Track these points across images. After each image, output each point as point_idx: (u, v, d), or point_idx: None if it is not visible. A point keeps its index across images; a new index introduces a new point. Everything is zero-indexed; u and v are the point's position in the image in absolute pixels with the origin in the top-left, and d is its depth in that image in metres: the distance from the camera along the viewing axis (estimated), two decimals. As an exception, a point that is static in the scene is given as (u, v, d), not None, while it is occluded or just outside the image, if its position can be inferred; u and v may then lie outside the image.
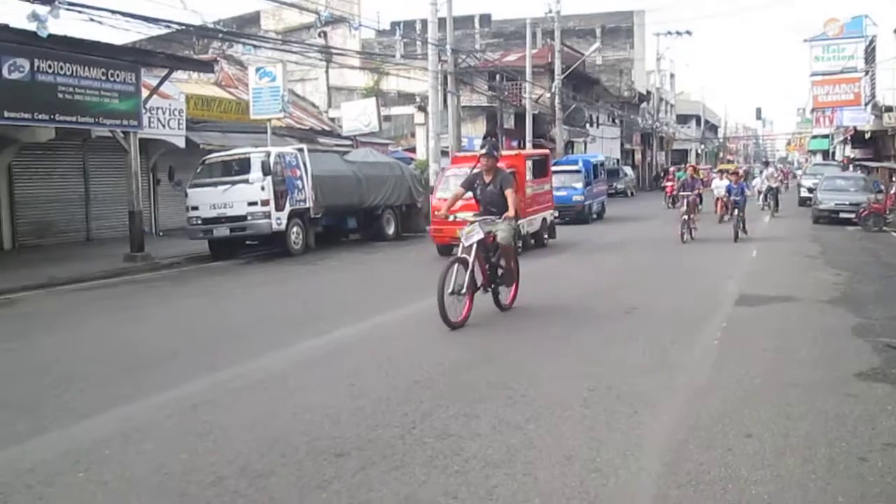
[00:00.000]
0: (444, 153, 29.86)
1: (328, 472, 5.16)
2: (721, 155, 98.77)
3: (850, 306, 11.13)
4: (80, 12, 16.24)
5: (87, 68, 16.58)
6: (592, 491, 4.83)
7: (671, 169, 39.40)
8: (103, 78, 16.97)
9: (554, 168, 28.22)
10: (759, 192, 33.37)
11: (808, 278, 13.99)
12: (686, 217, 20.39)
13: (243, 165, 19.21)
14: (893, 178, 29.87)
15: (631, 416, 6.23)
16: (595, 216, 30.64)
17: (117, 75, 17.32)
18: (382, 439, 5.75)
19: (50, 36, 15.06)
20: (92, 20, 16.72)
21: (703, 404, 6.55)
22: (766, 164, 38.60)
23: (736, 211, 21.03)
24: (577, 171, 29.82)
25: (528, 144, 39.53)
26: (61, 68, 16.05)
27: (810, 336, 9.29)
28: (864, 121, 40.23)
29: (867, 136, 41.12)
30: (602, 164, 34.91)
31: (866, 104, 38.92)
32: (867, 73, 38.95)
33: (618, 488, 4.89)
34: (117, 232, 22.71)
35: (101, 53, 17.04)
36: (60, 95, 16.08)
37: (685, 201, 20.86)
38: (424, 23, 31.08)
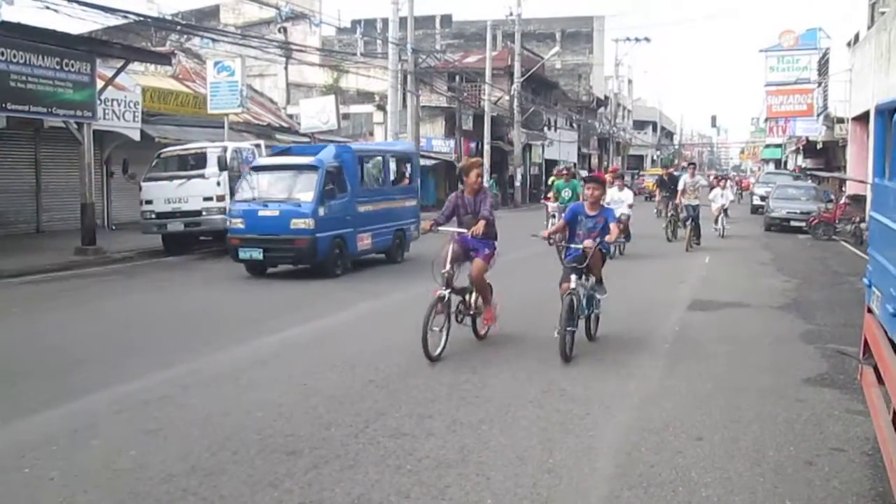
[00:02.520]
0: (403, 153, 29.79)
1: (280, 470, 5.12)
2: (676, 161, 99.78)
3: (800, 313, 11.34)
4: None
5: (40, 57, 16.27)
6: (545, 492, 4.85)
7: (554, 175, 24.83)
8: (57, 67, 16.67)
9: (263, 161, 17.06)
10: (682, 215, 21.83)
11: (760, 285, 14.20)
12: (442, 293, 8.29)
13: (199, 160, 19.00)
14: (843, 189, 30.41)
15: (583, 419, 6.27)
16: (374, 255, 16.73)
17: (72, 65, 17.02)
18: (335, 438, 5.72)
19: (3, 23, 14.81)
20: (48, 8, 16.50)
21: (654, 408, 6.62)
22: (692, 166, 23.85)
23: (573, 279, 8.34)
24: (310, 170, 15.00)
25: (486, 146, 39.64)
26: (14, 56, 15.73)
27: (760, 342, 9.44)
28: (816, 131, 40.94)
29: (819, 146, 41.85)
30: (406, 160, 18.96)
31: (819, 115, 39.58)
32: (820, 84, 39.62)
33: (570, 489, 4.92)
34: (68, 224, 22.30)
35: (55, 42, 16.75)
36: (13, 84, 15.76)
37: (447, 253, 8.51)
38: (385, 21, 31.07)
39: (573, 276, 8.29)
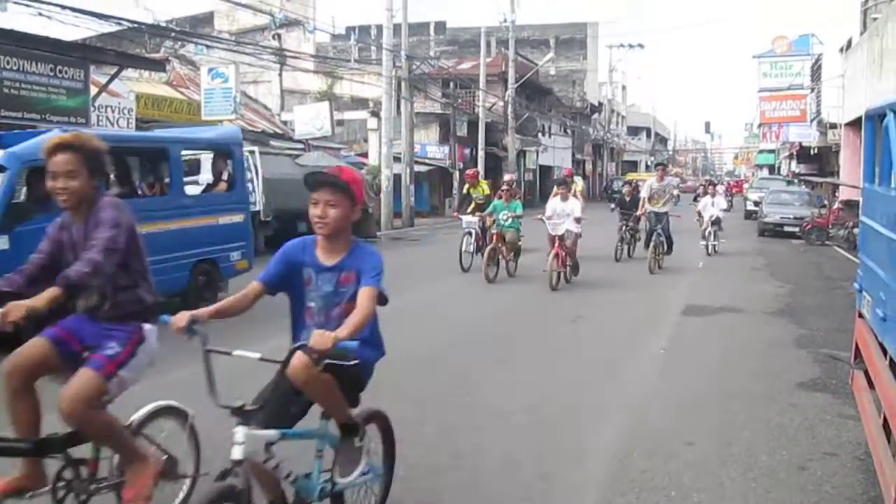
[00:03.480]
0: (397, 159, 29.87)
1: (273, 476, 5.09)
2: (670, 168, 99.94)
3: (793, 318, 11.36)
4: (27, 6, 16.00)
5: (34, 63, 16.25)
6: (538, 498, 4.85)
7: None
8: (51, 74, 16.64)
9: None
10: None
11: (753, 290, 14.22)
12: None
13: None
14: (836, 194, 30.49)
15: (576, 424, 6.27)
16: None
17: (65, 72, 17.00)
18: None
19: (-4, 29, 14.78)
20: (41, 14, 16.50)
21: (647, 412, 6.62)
22: (661, 167, 19.29)
23: (239, 431, 3.50)
24: None
25: (481, 152, 39.67)
26: (7, 63, 15.71)
27: (754, 347, 9.45)
28: (809, 137, 41.07)
29: (812, 151, 41.97)
30: (225, 154, 12.56)
31: (812, 121, 39.73)
32: (813, 90, 39.78)
33: (563, 495, 4.92)
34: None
35: (49, 49, 16.73)
36: (6, 91, 15.74)
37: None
38: (379, 28, 31.10)
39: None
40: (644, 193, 17.45)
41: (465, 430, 6.06)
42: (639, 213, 17.61)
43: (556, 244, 13.75)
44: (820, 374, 7.98)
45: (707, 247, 19.90)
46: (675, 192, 17.78)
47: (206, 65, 26.51)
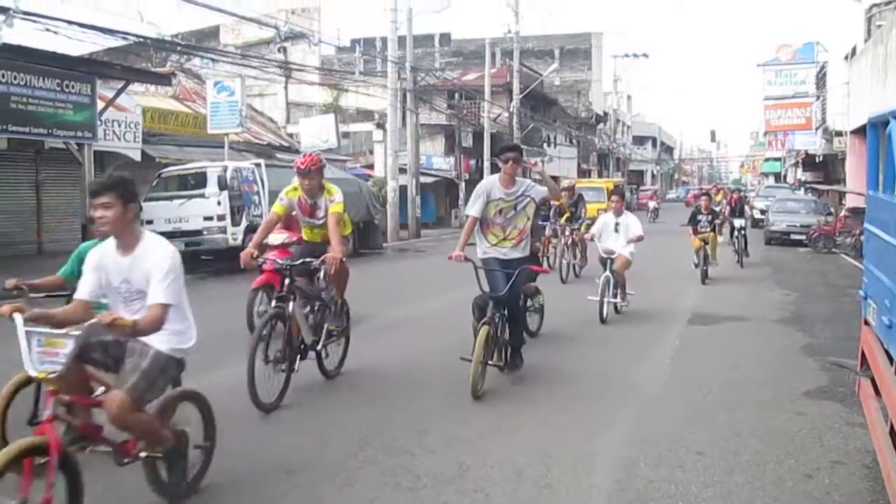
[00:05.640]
0: (402, 170, 29.94)
1: (278, 489, 5.11)
2: (676, 176, 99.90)
3: (800, 326, 11.32)
4: (35, 22, 16.10)
5: (41, 78, 16.36)
6: (543, 507, 4.84)
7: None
8: (58, 89, 16.76)
9: None
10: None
11: (760, 298, 14.19)
12: None
13: (199, 180, 19.05)
14: (843, 201, 30.45)
15: (582, 433, 6.26)
16: None
17: (72, 86, 17.12)
18: (333, 456, 5.71)
19: (3, 45, 14.89)
20: (48, 30, 16.59)
21: (654, 422, 6.60)
22: (511, 154, 7.60)
23: None
24: None
25: (486, 163, 39.72)
26: (15, 78, 15.82)
27: (761, 355, 9.42)
28: (815, 145, 41.06)
29: (818, 159, 41.92)
30: None
31: (817, 128, 39.73)
32: (818, 98, 39.79)
33: (568, 505, 4.90)
34: (70, 245, 22.06)
35: (56, 64, 16.84)
36: (13, 105, 15.84)
37: None
38: (384, 40, 31.24)
39: None
40: (471, 210, 7.83)
41: (470, 439, 6.04)
42: (455, 252, 7.54)
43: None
44: (827, 383, 7.95)
45: (602, 305, 11.32)
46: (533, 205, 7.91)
47: (212, 78, 26.59)
